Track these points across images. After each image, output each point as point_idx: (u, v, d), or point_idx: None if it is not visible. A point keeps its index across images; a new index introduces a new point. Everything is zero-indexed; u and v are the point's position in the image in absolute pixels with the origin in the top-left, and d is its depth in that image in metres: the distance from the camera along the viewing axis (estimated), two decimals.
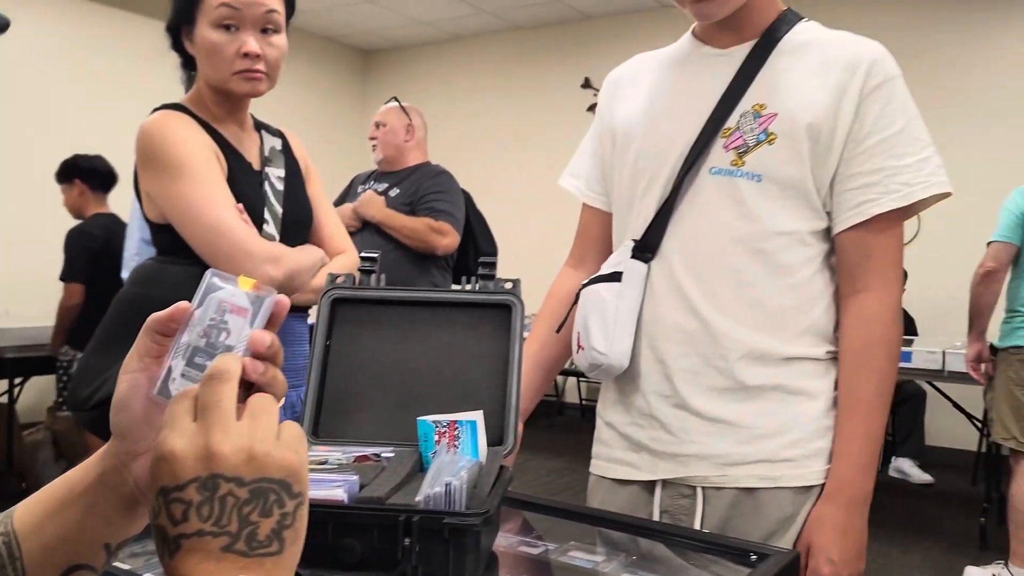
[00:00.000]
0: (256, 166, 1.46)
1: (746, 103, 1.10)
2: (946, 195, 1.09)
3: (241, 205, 1.34)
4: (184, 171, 1.30)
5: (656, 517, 1.15)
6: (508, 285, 1.02)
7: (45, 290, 4.76)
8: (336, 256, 1.53)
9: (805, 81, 1.09)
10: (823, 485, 1.09)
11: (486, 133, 6.55)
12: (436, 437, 0.93)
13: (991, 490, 3.68)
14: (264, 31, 1.37)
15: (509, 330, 1.01)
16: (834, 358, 1.12)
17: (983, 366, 3.06)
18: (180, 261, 1.35)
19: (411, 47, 7.18)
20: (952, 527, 3.69)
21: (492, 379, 1.01)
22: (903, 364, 3.39)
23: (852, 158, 1.07)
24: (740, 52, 1.13)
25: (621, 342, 1.12)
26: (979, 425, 4.10)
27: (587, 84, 6.06)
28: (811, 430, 1.10)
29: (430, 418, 0.93)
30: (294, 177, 1.52)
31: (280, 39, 1.40)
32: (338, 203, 2.91)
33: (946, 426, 4.55)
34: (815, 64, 1.09)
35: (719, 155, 1.10)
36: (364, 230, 2.74)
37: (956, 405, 4.13)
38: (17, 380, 3.92)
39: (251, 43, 1.34)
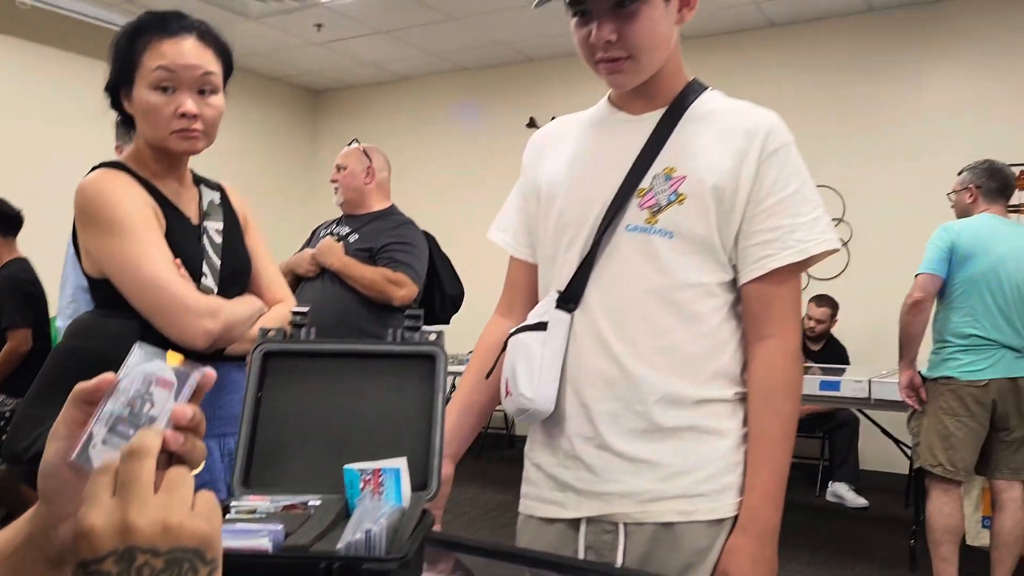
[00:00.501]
0: (195, 220, 1.50)
1: (658, 166, 1.20)
2: (835, 251, 1.20)
3: (179, 260, 1.38)
4: (122, 228, 1.34)
5: (581, 554, 1.21)
6: (432, 336, 1.09)
7: None
8: (274, 305, 1.58)
9: (710, 147, 1.19)
10: (735, 517, 1.17)
11: (435, 171, 6.63)
12: (361, 484, 0.98)
13: (920, 512, 3.82)
14: (201, 92, 1.42)
15: (433, 379, 1.08)
16: (742, 398, 1.21)
17: (918, 391, 3.11)
18: (118, 315, 1.38)
19: (360, 87, 7.27)
20: (885, 549, 3.82)
21: (417, 426, 1.07)
22: (833, 393, 3.54)
23: (753, 217, 1.17)
24: (652, 118, 1.23)
25: (546, 388, 1.19)
26: (906, 451, 4.26)
27: (532, 123, 6.20)
28: (722, 466, 1.18)
29: (355, 466, 0.98)
30: (232, 230, 1.57)
31: (217, 99, 1.45)
32: (303, 248, 2.94)
33: (880, 451, 4.71)
34: (719, 131, 1.20)
35: (635, 213, 1.19)
36: (323, 276, 2.75)
37: (885, 431, 4.29)
38: None
39: (188, 104, 1.39)
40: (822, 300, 5.01)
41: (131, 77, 1.41)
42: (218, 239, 1.52)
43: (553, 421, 1.23)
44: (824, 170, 5.39)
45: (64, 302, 2.73)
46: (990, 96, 4.99)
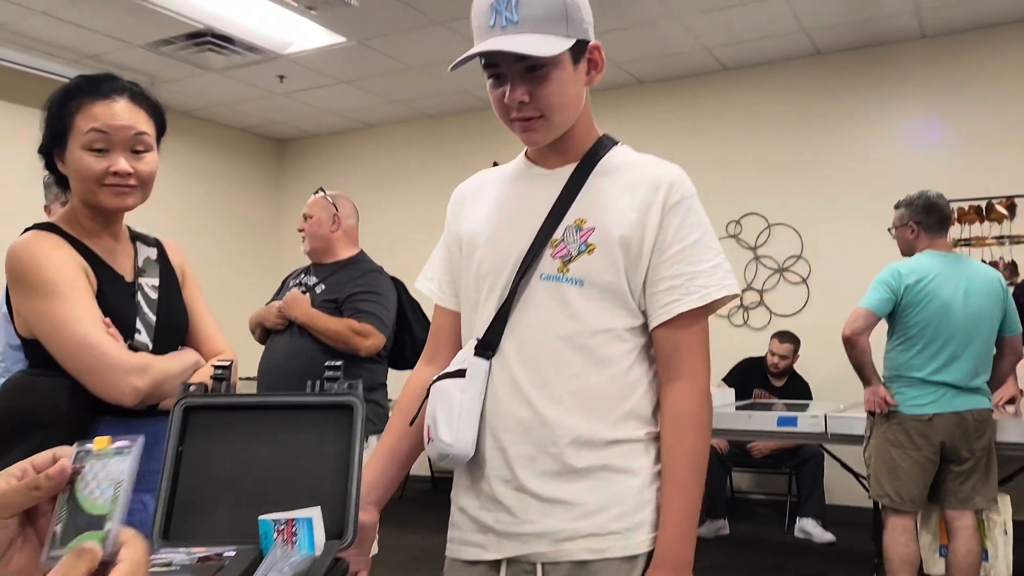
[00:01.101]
0: (128, 277, 1.53)
1: (569, 218, 1.25)
2: (736, 296, 1.26)
3: (108, 319, 1.40)
4: (51, 290, 1.36)
5: None
6: (348, 386, 1.12)
7: None
8: (212, 357, 1.60)
9: (618, 199, 1.25)
10: (650, 553, 1.20)
11: (402, 216, 6.69)
12: (275, 534, 1.00)
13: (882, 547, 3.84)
14: (135, 151, 1.46)
15: (351, 429, 1.10)
16: (654, 438, 1.25)
17: (884, 398, 3.08)
18: (50, 373, 1.40)
19: (325, 135, 7.35)
20: None
21: (335, 476, 1.09)
22: (791, 429, 3.58)
23: (658, 264, 1.23)
24: (564, 173, 1.29)
25: (466, 433, 1.22)
26: (866, 485, 4.30)
27: (496, 166, 6.29)
28: (634, 504, 1.22)
29: (270, 516, 1.00)
30: (169, 284, 1.59)
31: (151, 156, 1.49)
32: (272, 300, 2.95)
33: (846, 485, 4.74)
34: (626, 184, 1.26)
35: (548, 263, 1.24)
36: (291, 328, 2.77)
37: (845, 466, 4.32)
38: None
39: (121, 163, 1.43)
40: (784, 336, 5.09)
41: (64, 139, 1.44)
42: (153, 295, 1.54)
43: (474, 465, 1.26)
44: (781, 208, 5.52)
45: None
46: (936, 132, 5.15)
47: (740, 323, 5.61)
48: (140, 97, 1.49)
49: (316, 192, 3.03)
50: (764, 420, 3.74)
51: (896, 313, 3.10)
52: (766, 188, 5.57)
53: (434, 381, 1.28)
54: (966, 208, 5.02)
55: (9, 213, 4.83)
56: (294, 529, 1.00)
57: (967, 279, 3.07)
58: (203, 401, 1.12)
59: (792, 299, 5.49)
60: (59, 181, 1.52)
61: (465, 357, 1.27)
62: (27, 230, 1.46)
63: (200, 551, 1.01)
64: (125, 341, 1.44)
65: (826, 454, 4.62)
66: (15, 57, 4.98)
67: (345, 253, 2.95)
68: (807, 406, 4.27)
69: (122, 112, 1.44)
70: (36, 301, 1.38)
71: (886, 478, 3.07)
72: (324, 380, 1.14)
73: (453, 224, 1.40)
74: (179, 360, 1.49)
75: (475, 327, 1.30)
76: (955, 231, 5.04)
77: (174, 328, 1.57)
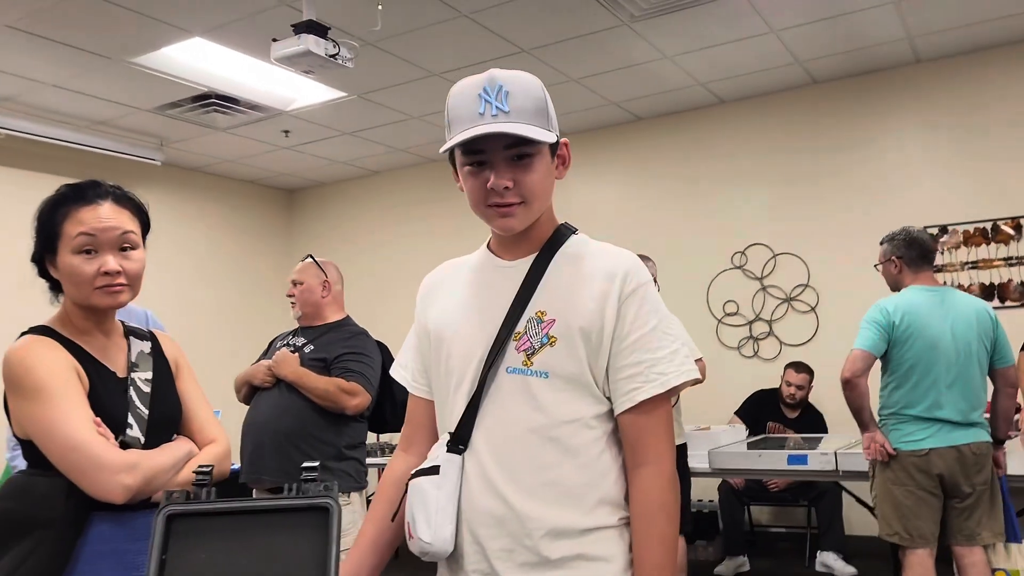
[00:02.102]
0: (121, 373, 1.57)
1: (531, 310, 1.28)
2: (697, 380, 1.28)
3: (99, 419, 1.45)
4: (42, 394, 1.41)
5: None
6: (323, 488, 1.15)
7: None
8: (206, 446, 1.64)
9: (576, 289, 1.28)
10: None
11: (411, 259, 6.77)
12: None
13: None
14: (122, 250, 1.51)
15: (327, 529, 1.13)
16: (626, 523, 1.26)
17: (883, 445, 3.07)
18: (47, 474, 1.44)
19: (333, 183, 7.47)
20: None
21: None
22: (801, 467, 3.56)
23: (618, 353, 1.25)
24: (524, 264, 1.32)
25: (443, 529, 1.24)
26: None
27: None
28: None
29: None
30: (162, 377, 1.64)
31: (137, 254, 1.55)
32: (260, 358, 3.04)
33: (865, 516, 4.68)
34: (583, 274, 1.29)
35: (512, 356, 1.27)
36: (279, 385, 2.85)
37: (860, 501, 4.28)
38: None
39: (110, 262, 1.48)
40: (800, 367, 5.07)
41: (55, 246, 1.50)
42: (146, 388, 1.59)
43: (453, 558, 1.28)
44: (785, 238, 5.53)
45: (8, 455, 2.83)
46: (938, 156, 5.15)
47: (751, 354, 5.60)
48: (124, 199, 1.55)
49: (304, 259, 3.14)
50: (774, 459, 3.73)
51: (887, 351, 3.10)
52: (768, 219, 5.58)
53: (411, 477, 1.31)
54: (971, 231, 5.01)
55: (26, 280, 4.94)
56: None
57: (954, 313, 3.07)
58: (184, 508, 1.16)
59: (801, 328, 5.48)
60: (52, 287, 1.58)
61: (438, 454, 1.29)
62: (23, 334, 1.51)
63: None
64: (116, 437, 1.48)
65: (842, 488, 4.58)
66: (26, 127, 5.12)
67: (333, 317, 3.04)
68: (820, 440, 4.24)
69: (107, 214, 1.50)
70: (28, 404, 1.43)
71: (893, 516, 3.04)
72: (302, 481, 1.18)
73: (422, 316, 1.44)
74: (170, 452, 1.53)
75: (447, 420, 1.33)
76: (962, 254, 5.03)
77: (167, 420, 1.61)
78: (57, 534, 1.42)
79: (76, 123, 5.42)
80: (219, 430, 1.70)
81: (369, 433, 3.02)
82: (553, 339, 1.25)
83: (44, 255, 1.53)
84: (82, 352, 1.52)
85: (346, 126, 5.86)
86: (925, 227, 5.12)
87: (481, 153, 1.25)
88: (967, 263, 5.00)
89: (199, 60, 4.61)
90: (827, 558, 4.65)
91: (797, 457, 3.57)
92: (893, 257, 3.24)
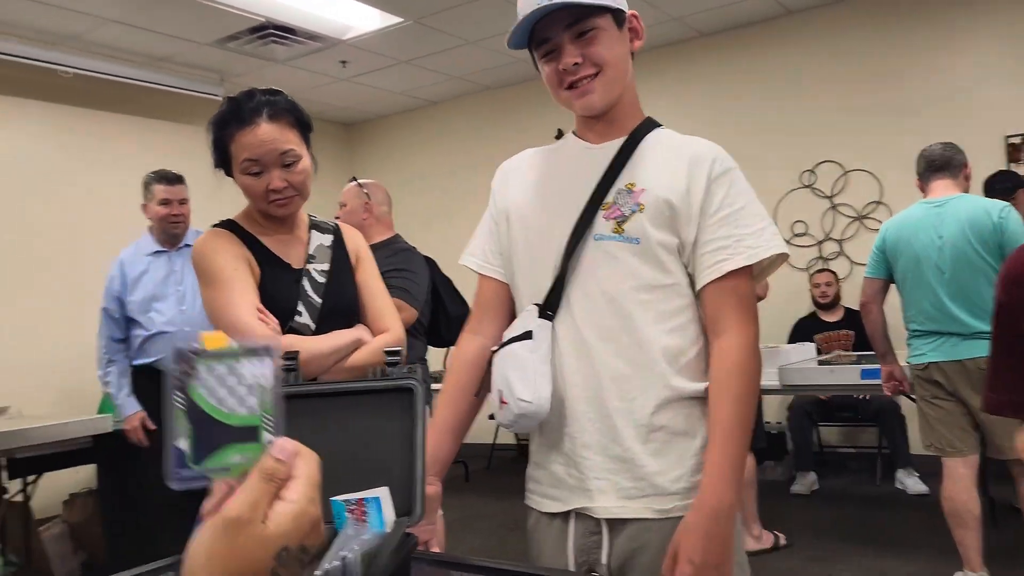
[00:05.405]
0: (296, 264, 1.68)
1: (620, 182, 1.29)
2: (784, 256, 1.27)
3: (262, 306, 1.56)
4: (215, 281, 1.58)
5: (571, 552, 1.30)
6: (407, 370, 1.16)
7: (55, 387, 4.96)
8: (379, 335, 1.72)
9: (666, 168, 1.29)
10: None
11: (466, 191, 6.75)
12: (347, 514, 1.06)
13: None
14: (285, 165, 1.61)
15: (412, 410, 1.15)
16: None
17: (901, 381, 3.27)
18: None
19: (390, 116, 7.45)
20: (941, 537, 3.72)
21: (400, 456, 1.14)
22: (872, 381, 3.49)
23: (706, 228, 1.26)
24: (612, 146, 1.33)
25: (543, 390, 1.26)
26: None
27: (560, 135, 6.25)
28: (691, 466, 1.25)
29: (341, 497, 1.06)
30: (339, 269, 1.73)
31: (302, 164, 1.65)
32: None
33: None
34: (673, 156, 1.30)
35: (601, 224, 1.29)
36: None
37: None
38: (31, 477, 4.06)
39: (276, 181, 1.61)
40: (820, 271, 5.17)
41: (228, 164, 1.64)
42: (321, 279, 1.69)
43: (545, 423, 1.31)
44: (858, 153, 5.32)
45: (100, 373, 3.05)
46: (1017, 62, 4.85)
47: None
48: (279, 112, 1.62)
49: (350, 181, 3.13)
50: (847, 374, 3.67)
51: (888, 270, 3.18)
52: (840, 134, 5.37)
53: (499, 348, 1.32)
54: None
55: (113, 216, 5.13)
56: (364, 508, 1.06)
57: (948, 221, 3.00)
58: None
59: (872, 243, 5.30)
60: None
61: (527, 321, 1.31)
62: (214, 226, 1.68)
63: None
64: (284, 324, 1.60)
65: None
66: (94, 65, 5.21)
67: (379, 237, 3.04)
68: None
69: (265, 135, 1.59)
70: (205, 289, 1.61)
71: (925, 428, 3.10)
72: (385, 365, 1.20)
73: (499, 198, 1.45)
74: (332, 339, 1.61)
75: (532, 293, 1.34)
76: None
77: (342, 309, 1.70)
78: None
79: (139, 60, 5.50)
80: (394, 320, 1.77)
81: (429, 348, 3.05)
82: (642, 206, 1.27)
83: (222, 167, 1.66)
84: (258, 245, 1.66)
85: (402, 54, 5.80)
86: (1005, 136, 4.87)
87: (547, 42, 1.28)
88: None
89: None
90: (900, 475, 4.62)
91: (871, 371, 3.50)
92: (917, 179, 3.26)
